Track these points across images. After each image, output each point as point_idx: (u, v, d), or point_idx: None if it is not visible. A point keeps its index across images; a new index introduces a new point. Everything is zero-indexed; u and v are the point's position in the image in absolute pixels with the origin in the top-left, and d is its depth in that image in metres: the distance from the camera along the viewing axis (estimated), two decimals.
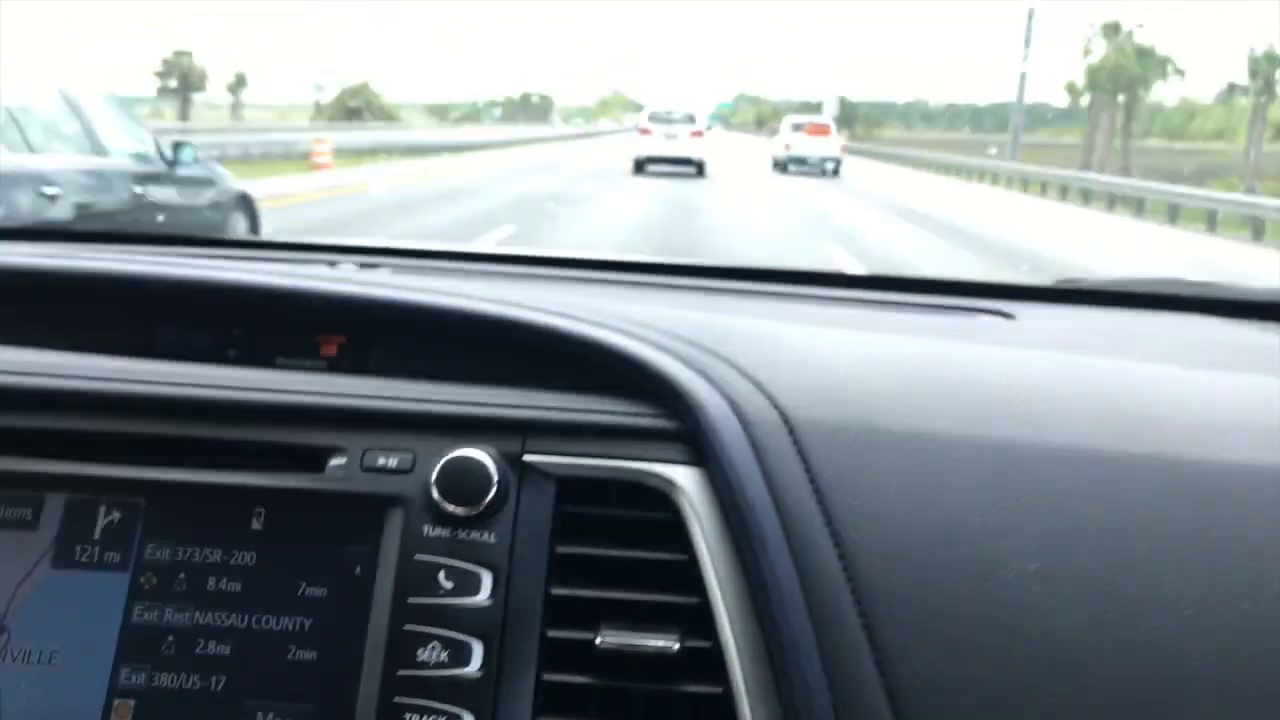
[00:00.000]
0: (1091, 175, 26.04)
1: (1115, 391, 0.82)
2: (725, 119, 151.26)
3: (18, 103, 4.87)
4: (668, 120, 22.14)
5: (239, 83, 59.16)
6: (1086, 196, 20.90)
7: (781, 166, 25.51)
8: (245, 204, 6.61)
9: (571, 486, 0.77)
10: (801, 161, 25.35)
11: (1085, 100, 43.46)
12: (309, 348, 0.90)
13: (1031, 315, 1.15)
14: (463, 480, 0.75)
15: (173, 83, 54.81)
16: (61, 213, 4.73)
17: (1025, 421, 0.75)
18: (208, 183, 6.25)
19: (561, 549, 0.76)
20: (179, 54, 57.82)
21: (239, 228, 6.54)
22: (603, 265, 1.33)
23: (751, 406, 0.75)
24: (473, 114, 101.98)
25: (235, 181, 6.70)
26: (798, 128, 26.71)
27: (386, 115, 58.29)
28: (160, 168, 5.77)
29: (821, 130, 26.46)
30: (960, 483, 0.71)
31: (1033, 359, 0.92)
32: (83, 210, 4.89)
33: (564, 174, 20.14)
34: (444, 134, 40.87)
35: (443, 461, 0.75)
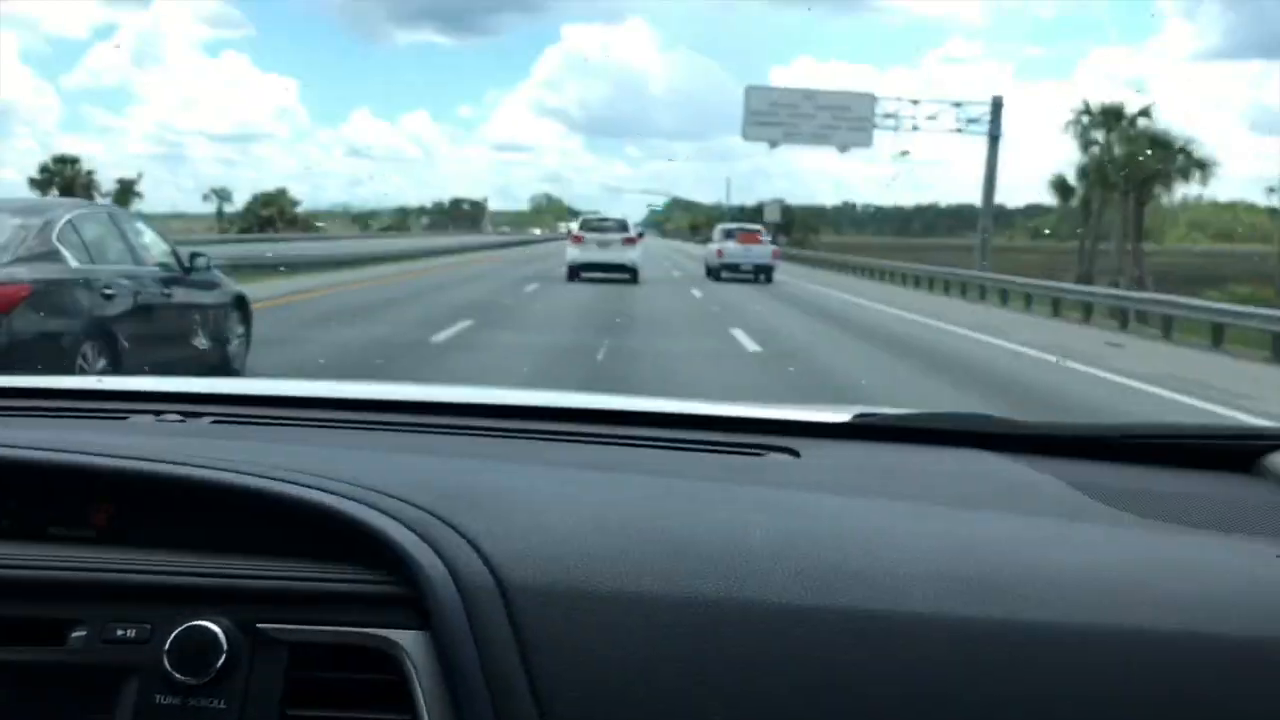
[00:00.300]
0: (1102, 289, 23.43)
1: (830, 542, 0.88)
2: (659, 225, 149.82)
3: (80, 221, 6.32)
4: (600, 228, 23.45)
5: (126, 191, 56.35)
6: (1088, 311, 18.70)
7: (714, 274, 26.21)
8: (241, 302, 8.00)
9: (303, 652, 0.82)
10: (734, 268, 25.98)
11: (1075, 198, 37.64)
12: (81, 516, 0.94)
13: (818, 453, 1.20)
14: (194, 650, 0.80)
15: (53, 192, 51.12)
16: (116, 309, 6.10)
17: (735, 578, 0.80)
18: (214, 285, 7.63)
19: (292, 713, 0.80)
20: (60, 160, 55.23)
21: (236, 320, 7.88)
22: (399, 407, 1.38)
23: (470, 573, 0.80)
24: (399, 222, 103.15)
25: (235, 284, 8.12)
26: (729, 235, 27.60)
27: (305, 225, 56.85)
28: (179, 273, 7.14)
29: (753, 237, 27.37)
30: (662, 642, 0.76)
31: (784, 503, 0.98)
32: (129, 306, 6.27)
33: (492, 283, 20.79)
34: (365, 243, 40.06)
35: (175, 632, 0.80)
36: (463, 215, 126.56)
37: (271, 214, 55.25)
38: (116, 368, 6.04)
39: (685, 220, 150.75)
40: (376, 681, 0.82)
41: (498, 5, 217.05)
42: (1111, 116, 35.25)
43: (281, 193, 61.59)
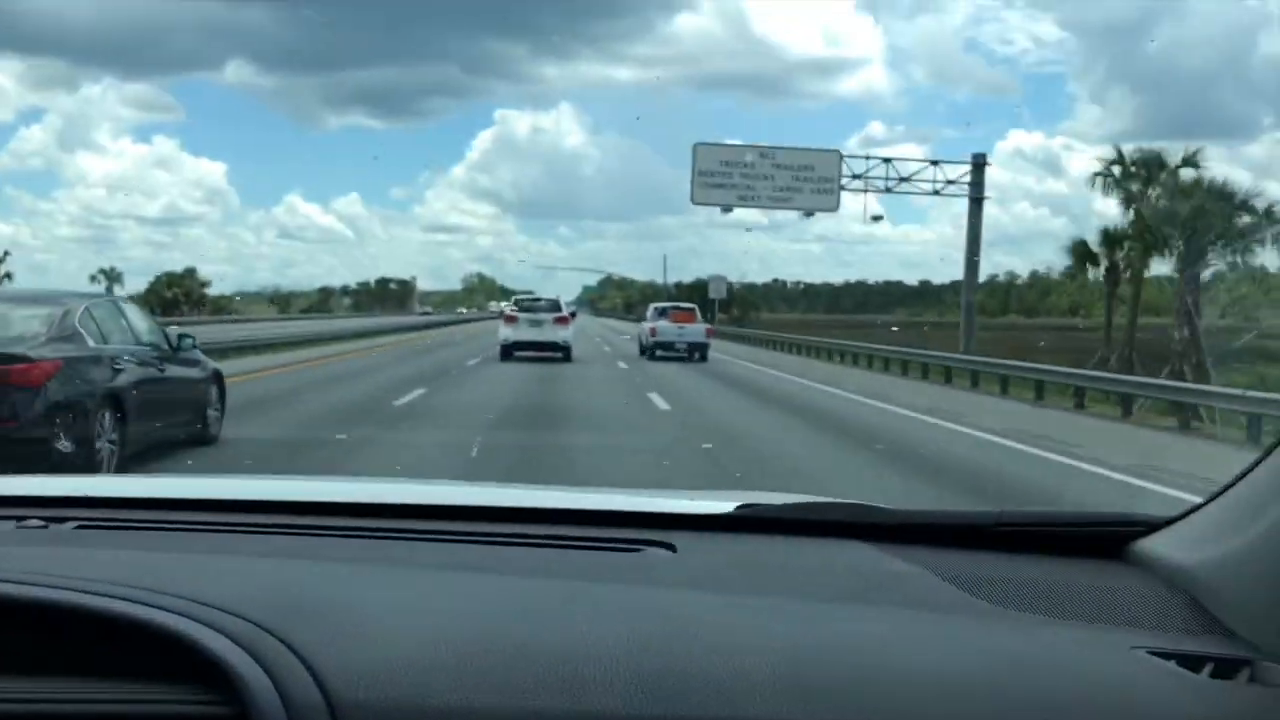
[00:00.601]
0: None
1: (681, 646, 0.90)
2: (593, 304, 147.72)
3: (93, 308, 7.67)
4: (532, 308, 23.99)
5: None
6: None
7: (648, 352, 25.79)
8: (218, 377, 9.29)
9: None
10: (668, 347, 25.50)
11: (1097, 268, 29.83)
12: None
13: (695, 548, 1.23)
14: None
15: None
16: (123, 382, 7.37)
17: (576, 689, 0.82)
18: (196, 362, 8.91)
19: None
20: None
21: (215, 393, 9.13)
22: (266, 507, 1.36)
23: (299, 691, 0.81)
24: (320, 303, 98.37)
25: (212, 362, 9.43)
26: (663, 313, 27.26)
27: (216, 307, 55.49)
28: (168, 351, 8.43)
29: (687, 316, 26.96)
30: None
31: (645, 604, 1.01)
32: (133, 379, 7.55)
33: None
34: (284, 326, 38.32)
35: None
36: (390, 295, 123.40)
37: (176, 295, 54.17)
38: (123, 431, 7.21)
39: (620, 297, 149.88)
40: None
41: (429, 90, 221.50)
42: (1153, 166, 27.67)
43: (189, 273, 60.53)
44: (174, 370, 8.27)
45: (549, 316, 23.59)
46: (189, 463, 8.02)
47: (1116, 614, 1.06)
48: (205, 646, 0.85)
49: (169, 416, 7.99)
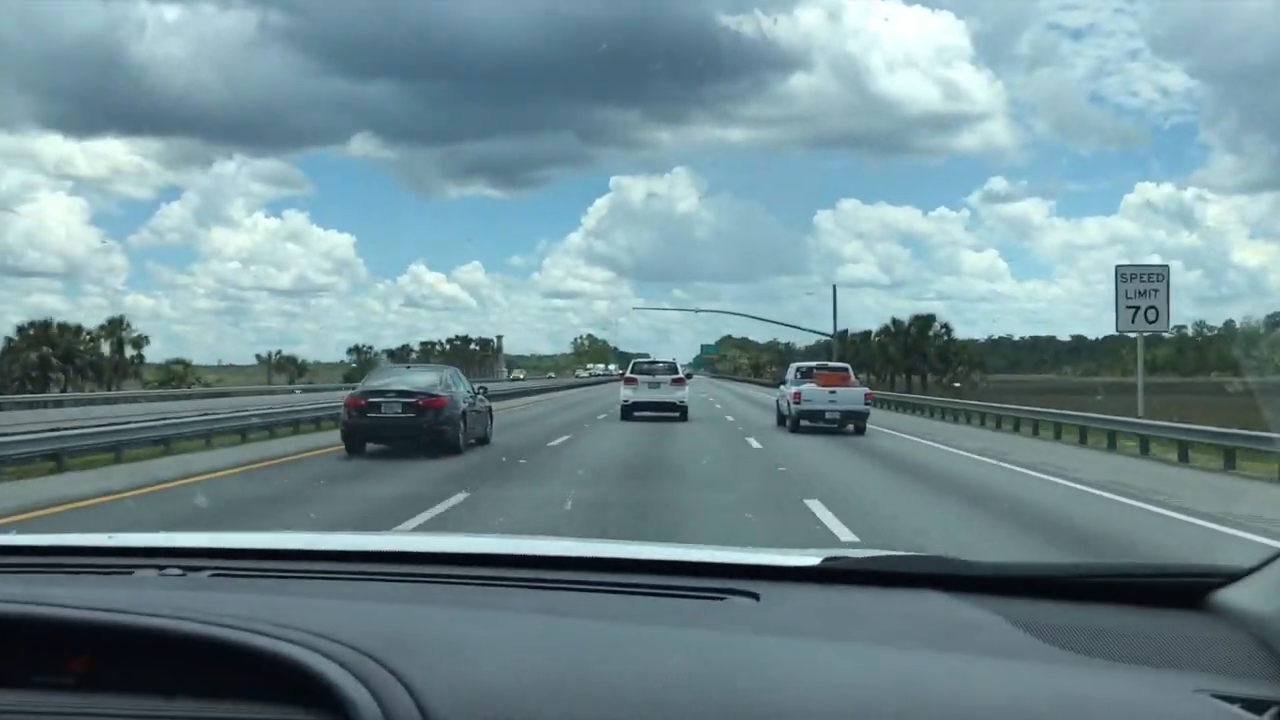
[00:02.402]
0: None
1: (755, 686, 1.01)
2: (711, 364, 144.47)
3: (452, 373, 17.37)
4: (650, 370, 26.90)
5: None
6: None
7: (791, 423, 22.79)
8: (491, 411, 18.39)
9: None
10: (815, 416, 22.41)
11: None
12: (62, 665, 1.10)
13: (778, 597, 1.35)
14: None
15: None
16: (465, 408, 16.67)
17: (647, 717, 0.94)
18: (487, 401, 17.95)
19: None
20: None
21: (490, 419, 17.84)
22: (378, 558, 1.61)
23: (400, 711, 0.94)
24: (356, 370, 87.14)
25: (488, 402, 18.34)
26: (807, 374, 24.33)
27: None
28: (474, 395, 17.41)
29: (839, 377, 23.72)
30: None
31: (725, 647, 1.13)
32: (467, 409, 16.74)
33: None
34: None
35: None
36: (469, 357, 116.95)
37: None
38: (466, 432, 15.81)
39: (744, 358, 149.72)
40: None
41: (546, 159, 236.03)
42: None
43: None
44: (478, 405, 17.28)
45: (666, 378, 26.29)
46: (483, 453, 16.37)
47: (1186, 660, 1.14)
48: (318, 671, 1.00)
49: (477, 427, 17.43)
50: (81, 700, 1.05)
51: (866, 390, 23.79)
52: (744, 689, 0.99)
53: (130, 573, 1.45)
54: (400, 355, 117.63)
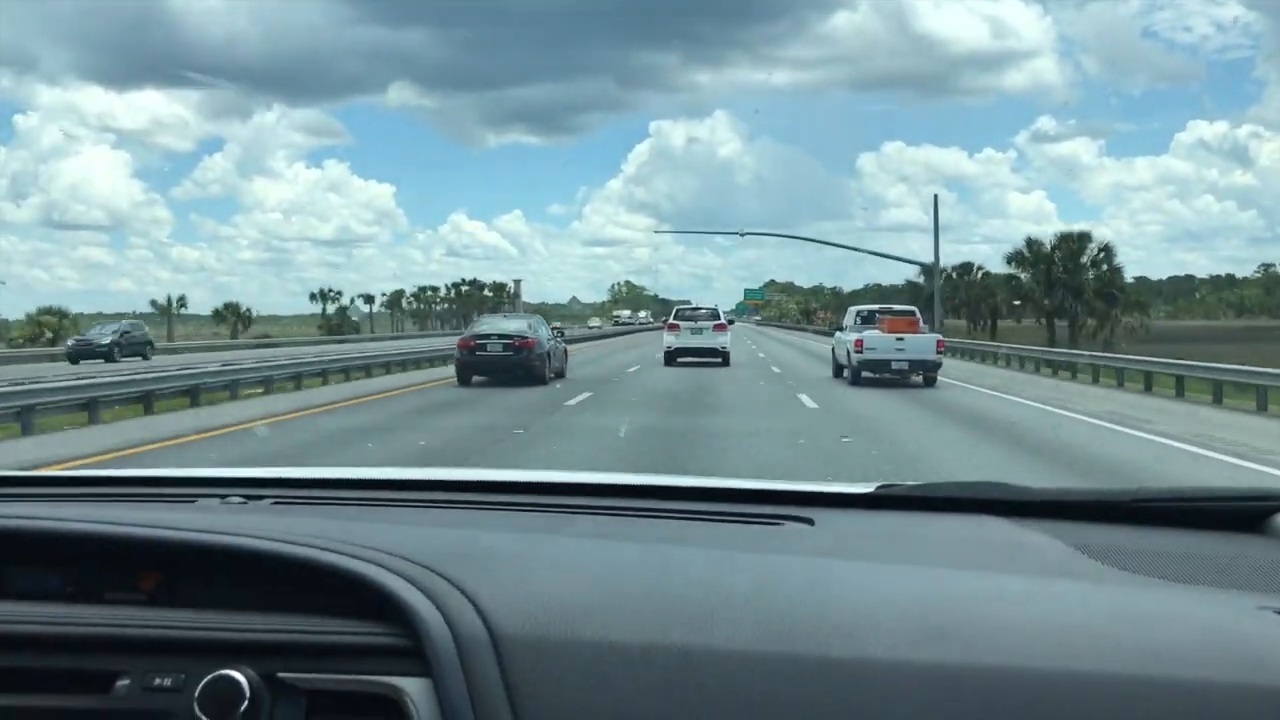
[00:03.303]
0: None
1: (807, 597, 1.05)
2: (755, 310, 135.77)
3: (535, 319, 23.69)
4: (693, 317, 28.59)
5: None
6: None
7: (852, 374, 21.06)
8: (567, 351, 24.18)
9: (320, 699, 1.04)
10: (880, 367, 20.59)
11: None
12: (132, 583, 1.19)
13: (832, 522, 1.42)
14: (222, 697, 1.02)
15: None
16: (549, 348, 22.37)
17: (707, 628, 0.98)
18: (563, 342, 24.46)
19: None
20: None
21: (567, 357, 23.66)
22: (433, 486, 1.68)
23: (465, 624, 0.99)
24: (338, 323, 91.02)
25: (564, 343, 24.28)
26: (868, 320, 22.66)
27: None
28: (557, 337, 23.06)
29: (907, 323, 21.62)
30: (637, 687, 0.94)
31: (778, 565, 1.18)
32: (551, 349, 22.68)
33: None
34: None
35: (205, 681, 1.03)
36: (482, 304, 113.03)
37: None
38: (549, 367, 21.85)
39: (791, 302, 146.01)
40: None
41: (585, 105, 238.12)
42: None
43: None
44: (557, 345, 22.58)
45: (709, 324, 28.12)
46: (559, 385, 20.84)
47: (1246, 580, 1.17)
48: (384, 585, 1.05)
49: (558, 364, 23.50)
50: (151, 614, 1.13)
51: (938, 337, 21.84)
52: (800, 606, 1.03)
53: (193, 501, 1.55)
54: (394, 301, 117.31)
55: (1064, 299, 48.74)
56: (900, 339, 20.68)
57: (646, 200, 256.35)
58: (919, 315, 23.25)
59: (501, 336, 21.09)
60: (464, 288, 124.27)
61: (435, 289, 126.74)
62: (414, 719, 0.98)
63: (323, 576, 1.09)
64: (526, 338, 21.11)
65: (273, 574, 1.12)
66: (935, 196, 46.00)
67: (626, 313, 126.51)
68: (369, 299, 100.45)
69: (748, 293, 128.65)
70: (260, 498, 1.55)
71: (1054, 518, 1.42)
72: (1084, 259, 49.25)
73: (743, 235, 46.52)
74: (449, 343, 27.53)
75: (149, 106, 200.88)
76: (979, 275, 66.97)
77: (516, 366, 20.61)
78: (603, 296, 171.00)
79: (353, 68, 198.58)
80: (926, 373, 20.90)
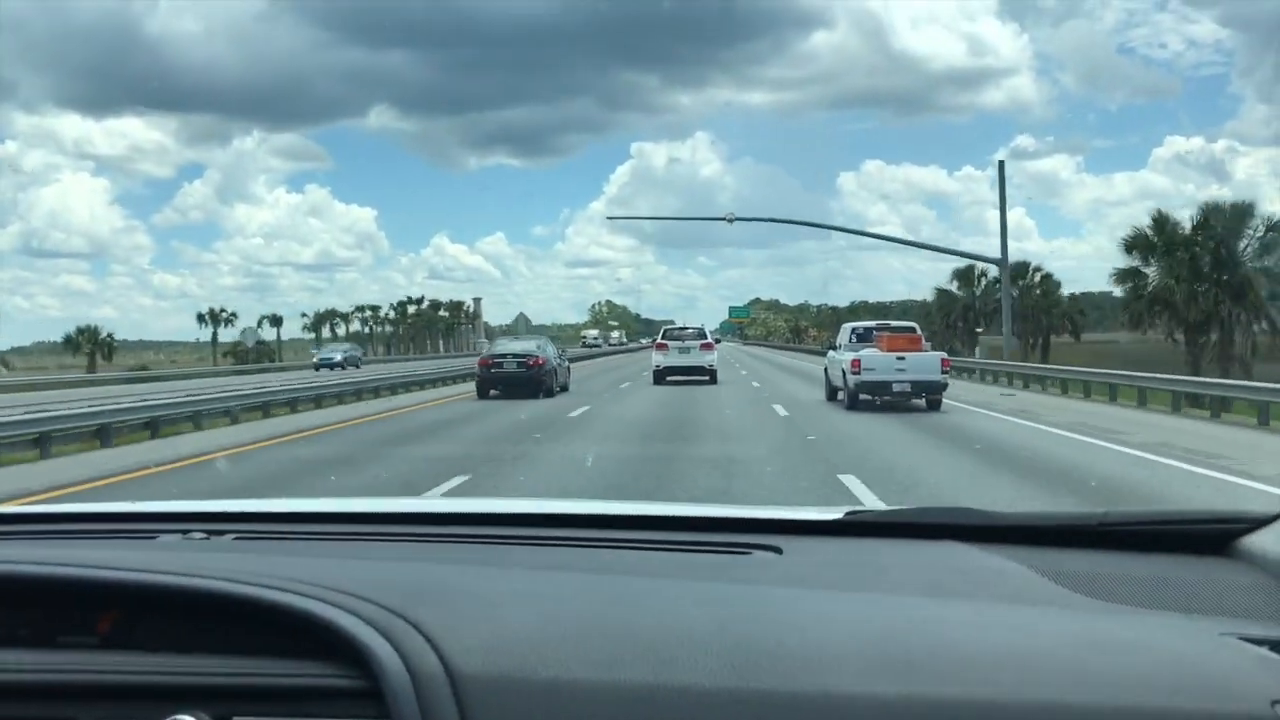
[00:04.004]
0: None
1: (770, 629, 1.07)
2: (740, 329, 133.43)
3: (544, 340, 28.36)
4: (680, 336, 30.41)
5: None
6: None
7: (849, 397, 19.56)
8: (569, 369, 28.15)
9: None
10: (883, 389, 19.11)
11: None
12: (87, 625, 1.17)
13: (801, 550, 1.44)
14: None
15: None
16: (555, 366, 27.06)
17: (669, 664, 0.99)
18: (565, 360, 29.41)
19: None
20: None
21: (568, 374, 28.17)
22: (395, 519, 1.73)
23: (422, 663, 0.99)
24: (262, 353, 75.87)
25: (567, 361, 29.56)
26: (863, 338, 21.26)
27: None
28: (558, 355, 27.11)
29: (908, 341, 20.10)
30: None
31: (741, 596, 1.20)
32: (557, 367, 27.35)
33: None
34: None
35: None
36: (434, 325, 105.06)
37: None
38: (554, 383, 26.28)
39: (780, 319, 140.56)
40: None
41: (566, 126, 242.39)
42: None
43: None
44: (562, 363, 28.26)
45: (695, 343, 29.75)
46: (565, 398, 25.24)
47: (1211, 605, 1.19)
48: (339, 625, 1.05)
49: (563, 379, 28.30)
50: (105, 658, 1.12)
51: (943, 356, 19.96)
52: (768, 637, 1.04)
53: (154, 537, 1.55)
54: (319, 324, 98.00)
55: (1216, 300, 31.64)
56: (901, 358, 19.07)
57: (629, 221, 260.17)
58: (919, 332, 21.83)
59: (515, 356, 25.24)
60: (412, 307, 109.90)
61: (376, 308, 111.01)
62: None
63: (280, 617, 1.10)
64: (537, 357, 25.25)
65: (230, 614, 1.13)
66: (1000, 164, 39.17)
67: (594, 333, 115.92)
68: (277, 320, 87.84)
69: (733, 310, 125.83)
70: (222, 533, 1.58)
71: (1022, 543, 1.45)
72: (1243, 241, 32.24)
73: (731, 221, 39.67)
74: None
75: (128, 132, 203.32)
76: (1036, 278, 49.90)
77: (529, 382, 24.57)
78: (584, 316, 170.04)
79: (333, 91, 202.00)
80: (930, 395, 19.29)
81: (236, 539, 1.56)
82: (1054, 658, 1.01)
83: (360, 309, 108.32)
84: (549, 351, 26.00)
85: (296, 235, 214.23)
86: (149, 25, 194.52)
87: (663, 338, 30.28)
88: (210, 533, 1.57)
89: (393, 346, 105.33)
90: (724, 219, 41.77)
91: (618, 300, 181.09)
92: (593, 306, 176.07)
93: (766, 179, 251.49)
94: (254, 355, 70.29)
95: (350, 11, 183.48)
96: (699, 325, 31.00)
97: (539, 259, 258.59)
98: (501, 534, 1.58)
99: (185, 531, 1.57)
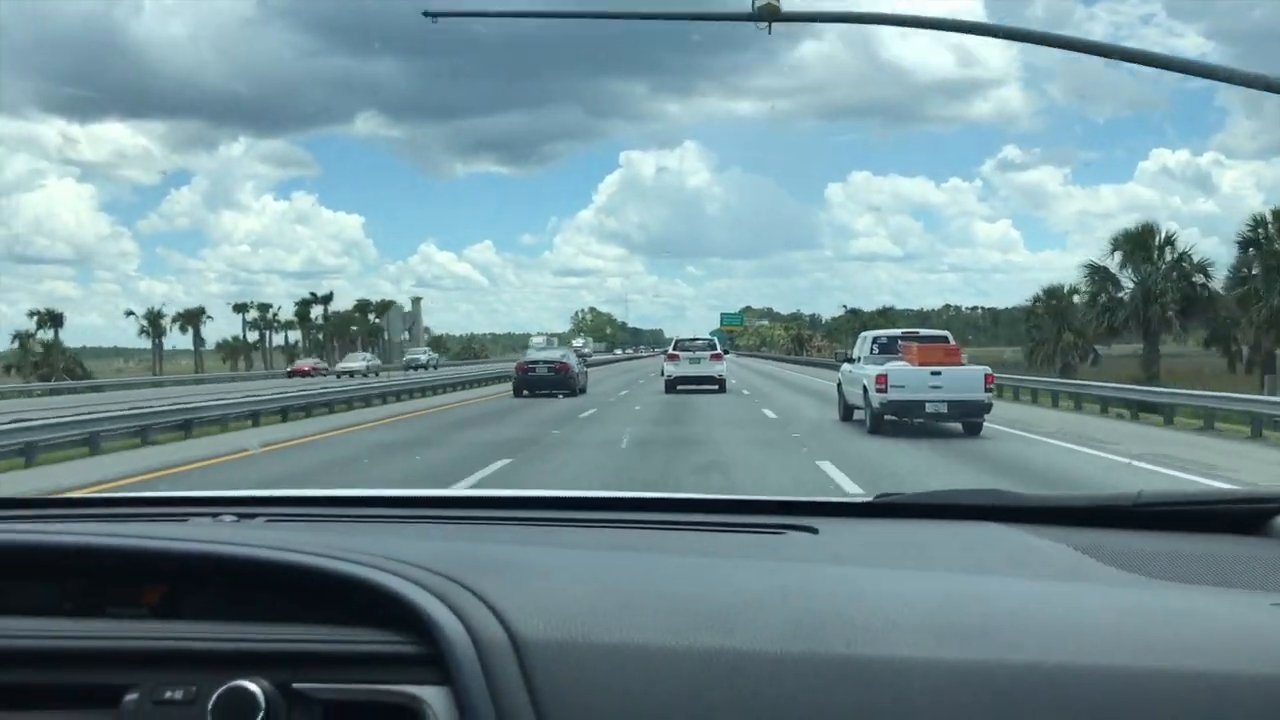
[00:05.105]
0: None
1: (827, 597, 1.10)
2: (731, 339, 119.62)
3: (569, 348, 34.51)
4: (690, 347, 33.27)
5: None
6: None
7: (872, 420, 16.95)
8: (586, 374, 34.38)
9: (337, 710, 1.05)
10: (914, 410, 16.50)
11: None
12: (135, 596, 1.19)
13: (836, 530, 1.48)
14: (235, 709, 1.02)
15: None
16: (579, 370, 33.83)
17: (730, 630, 1.00)
18: (586, 362, 38.27)
19: None
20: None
21: (586, 374, 34.61)
22: (429, 503, 1.72)
23: (485, 629, 1.01)
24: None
25: (585, 365, 35.76)
26: (887, 348, 18.75)
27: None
28: (580, 361, 33.32)
29: (944, 353, 17.73)
30: (662, 690, 0.95)
31: (790, 569, 1.23)
32: (584, 369, 35.24)
33: None
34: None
35: (217, 693, 1.03)
36: (353, 328, 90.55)
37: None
38: (580, 385, 32.73)
39: (776, 329, 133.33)
40: None
41: (554, 134, 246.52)
42: None
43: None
44: (583, 369, 35.17)
45: (705, 354, 32.60)
46: (585, 396, 30.95)
47: (1257, 579, 1.22)
48: (398, 592, 1.07)
49: (583, 381, 34.18)
50: (158, 626, 1.13)
51: (986, 370, 16.94)
52: (821, 607, 1.06)
53: (185, 520, 1.57)
54: (190, 321, 79.56)
55: None
56: (936, 373, 16.49)
57: (617, 230, 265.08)
58: (953, 341, 19.01)
59: (546, 362, 31.47)
60: (317, 307, 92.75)
61: (267, 306, 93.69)
62: None
63: (328, 587, 1.11)
64: (565, 362, 31.31)
65: (276, 586, 1.14)
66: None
67: (541, 339, 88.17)
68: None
69: (724, 318, 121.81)
70: (252, 516, 1.58)
71: (1055, 523, 1.48)
72: None
73: (768, 28, 15.25)
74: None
75: (113, 138, 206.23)
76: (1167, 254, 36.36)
77: (558, 384, 30.06)
78: (568, 326, 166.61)
79: (320, 98, 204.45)
80: (970, 418, 16.62)
81: (268, 521, 1.57)
82: (1110, 626, 1.04)
83: (243, 306, 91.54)
84: (573, 358, 32.41)
85: (283, 243, 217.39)
86: (134, 29, 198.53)
87: (674, 349, 33.36)
88: (240, 515, 1.59)
89: (270, 355, 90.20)
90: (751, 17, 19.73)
91: (604, 309, 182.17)
92: (576, 314, 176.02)
93: (755, 189, 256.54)
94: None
95: (335, 17, 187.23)
96: (709, 337, 35.51)
97: (527, 267, 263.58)
98: (544, 516, 1.65)
99: (215, 515, 1.59)
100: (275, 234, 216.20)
